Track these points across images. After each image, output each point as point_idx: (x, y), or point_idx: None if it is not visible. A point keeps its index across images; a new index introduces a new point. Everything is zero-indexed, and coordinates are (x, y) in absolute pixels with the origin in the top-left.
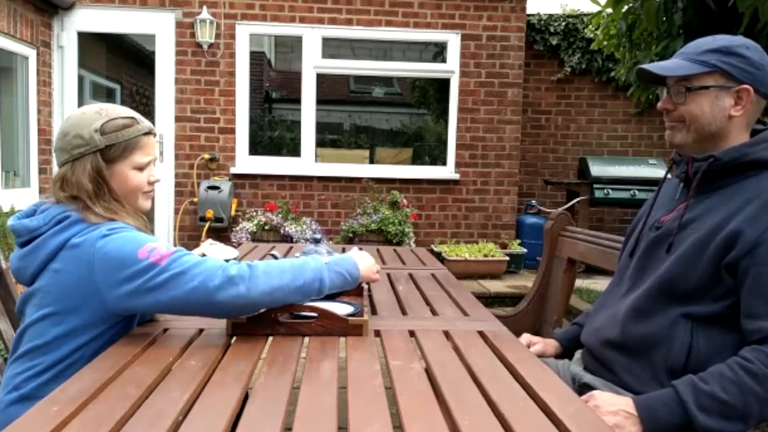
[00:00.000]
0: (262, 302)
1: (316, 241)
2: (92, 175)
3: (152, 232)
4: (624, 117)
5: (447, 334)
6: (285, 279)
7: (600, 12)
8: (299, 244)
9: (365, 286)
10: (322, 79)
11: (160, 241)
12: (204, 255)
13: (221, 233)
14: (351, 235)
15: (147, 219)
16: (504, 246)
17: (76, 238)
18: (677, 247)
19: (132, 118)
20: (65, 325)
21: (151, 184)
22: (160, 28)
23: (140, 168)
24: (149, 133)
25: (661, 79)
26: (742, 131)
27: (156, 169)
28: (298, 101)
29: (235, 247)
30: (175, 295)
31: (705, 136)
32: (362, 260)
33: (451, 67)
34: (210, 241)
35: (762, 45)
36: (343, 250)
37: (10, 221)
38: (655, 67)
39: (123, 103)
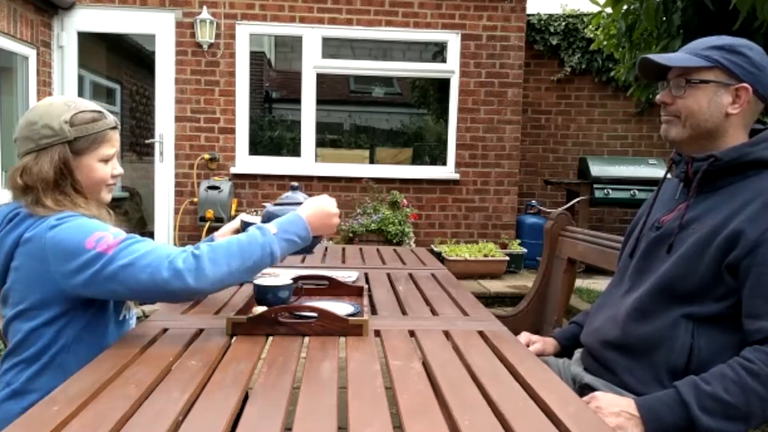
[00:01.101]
0: (212, 290)
1: (294, 189)
2: (58, 166)
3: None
4: (624, 117)
5: (447, 334)
6: (234, 264)
7: (600, 12)
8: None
9: (365, 286)
10: (322, 79)
11: (109, 229)
12: (243, 222)
13: None
14: (351, 235)
15: (110, 213)
16: (504, 246)
17: (27, 232)
18: (678, 247)
19: (100, 112)
20: (36, 318)
21: (114, 177)
22: (160, 28)
23: (105, 161)
24: (114, 127)
25: (662, 75)
26: (739, 131)
27: (117, 164)
28: (298, 101)
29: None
30: (128, 286)
31: (701, 132)
32: (314, 216)
33: (451, 67)
34: (243, 214)
35: (759, 43)
36: (343, 250)
37: None
38: (659, 57)
39: (123, 103)
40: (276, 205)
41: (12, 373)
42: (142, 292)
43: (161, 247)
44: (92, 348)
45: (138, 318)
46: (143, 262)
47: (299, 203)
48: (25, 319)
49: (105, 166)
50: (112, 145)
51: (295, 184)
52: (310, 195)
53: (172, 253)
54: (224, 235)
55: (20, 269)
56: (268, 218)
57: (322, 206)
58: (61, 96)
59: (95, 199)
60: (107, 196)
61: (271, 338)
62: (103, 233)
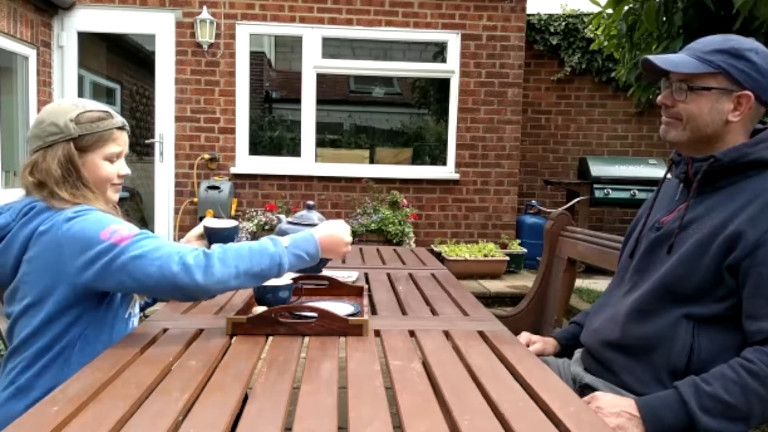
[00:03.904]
0: (217, 290)
1: (309, 208)
2: (63, 162)
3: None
4: (624, 117)
5: (447, 334)
6: (242, 267)
7: (600, 13)
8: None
9: (365, 286)
10: (322, 79)
11: (124, 223)
12: (206, 228)
13: None
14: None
15: (117, 209)
16: (504, 246)
17: (43, 225)
18: (678, 247)
19: (106, 112)
20: (45, 310)
21: (120, 177)
22: (160, 28)
23: (111, 159)
24: (122, 128)
25: (664, 72)
26: (739, 136)
27: (125, 164)
28: (298, 101)
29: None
30: (137, 278)
31: (700, 137)
32: (326, 238)
33: (451, 67)
34: (207, 218)
35: (760, 42)
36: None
37: None
38: (661, 60)
39: (123, 103)
40: (290, 223)
41: (17, 371)
42: (150, 285)
43: (173, 244)
44: (97, 345)
45: (138, 318)
46: (154, 255)
47: (314, 224)
48: (35, 313)
49: (110, 165)
50: (118, 145)
51: (311, 203)
52: (310, 194)
53: (183, 250)
54: (189, 240)
55: (33, 261)
56: (280, 234)
57: (336, 231)
58: (73, 98)
59: (102, 197)
60: (114, 196)
61: (271, 338)
62: (119, 226)
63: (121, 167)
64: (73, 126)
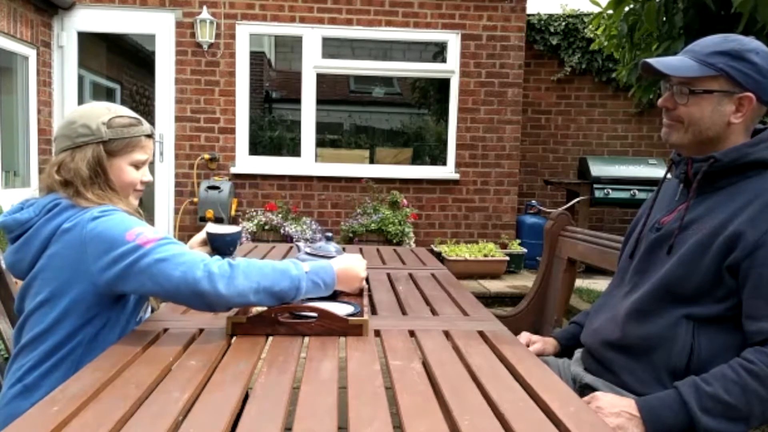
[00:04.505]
0: (236, 302)
1: (328, 239)
2: (91, 164)
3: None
4: (624, 117)
5: (447, 334)
6: (263, 284)
7: (600, 13)
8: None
9: (365, 286)
10: (322, 79)
11: (149, 227)
12: (209, 234)
13: None
14: (351, 235)
15: (141, 213)
16: (504, 246)
17: (67, 222)
18: (678, 248)
19: (137, 119)
20: (59, 308)
21: (143, 183)
22: (160, 28)
23: (136, 166)
24: (150, 135)
25: (665, 75)
26: (740, 136)
27: (148, 171)
28: (298, 101)
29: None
30: (159, 281)
31: (702, 140)
32: (343, 271)
33: (451, 67)
34: (209, 224)
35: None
36: (343, 250)
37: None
38: (661, 64)
39: (123, 102)
40: (307, 254)
41: (25, 369)
42: (170, 289)
43: (196, 252)
44: (107, 347)
45: None
46: (179, 260)
47: (331, 256)
48: (48, 311)
49: (135, 171)
50: (145, 152)
51: (329, 234)
52: (310, 194)
53: (207, 258)
54: (192, 247)
55: (55, 257)
56: None
57: (353, 266)
58: (105, 102)
59: (125, 200)
60: (134, 201)
61: (271, 338)
62: (144, 229)
63: (145, 174)
64: (105, 129)
